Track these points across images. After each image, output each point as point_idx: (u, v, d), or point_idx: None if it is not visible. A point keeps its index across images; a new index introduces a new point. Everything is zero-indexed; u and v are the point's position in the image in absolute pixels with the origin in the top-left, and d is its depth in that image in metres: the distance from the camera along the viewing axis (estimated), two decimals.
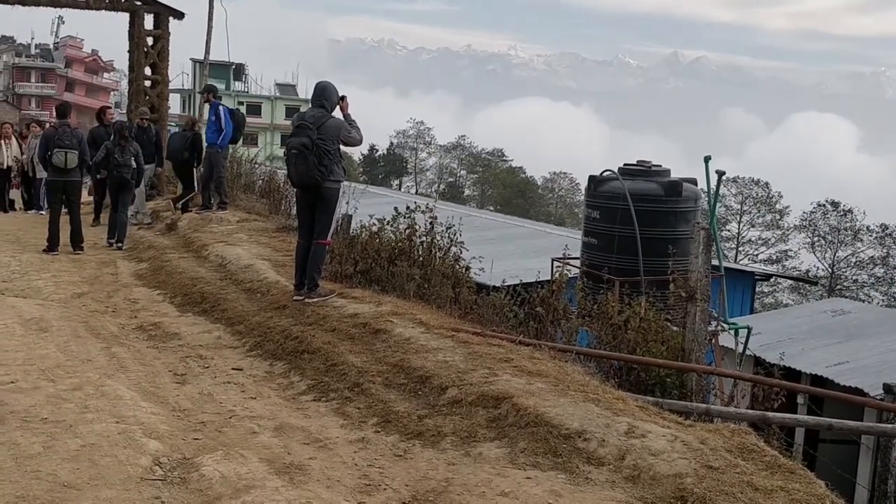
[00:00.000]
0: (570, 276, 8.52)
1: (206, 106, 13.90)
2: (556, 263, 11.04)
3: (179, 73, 55.26)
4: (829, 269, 59.37)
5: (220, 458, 4.45)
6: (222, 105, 13.50)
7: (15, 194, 18.70)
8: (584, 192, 12.39)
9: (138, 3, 17.57)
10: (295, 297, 7.77)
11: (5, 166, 17.21)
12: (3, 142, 17.17)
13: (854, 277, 59.74)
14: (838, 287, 57.20)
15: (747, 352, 10.62)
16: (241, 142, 14.76)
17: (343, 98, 7.80)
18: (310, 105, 7.86)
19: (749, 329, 10.41)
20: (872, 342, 13.44)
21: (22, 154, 17.13)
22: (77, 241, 11.88)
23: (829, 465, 9.26)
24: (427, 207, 8.60)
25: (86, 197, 15.22)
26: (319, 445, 4.94)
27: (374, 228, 8.71)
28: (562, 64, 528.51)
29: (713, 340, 8.45)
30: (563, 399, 5.06)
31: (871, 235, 59.79)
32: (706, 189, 11.23)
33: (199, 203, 13.75)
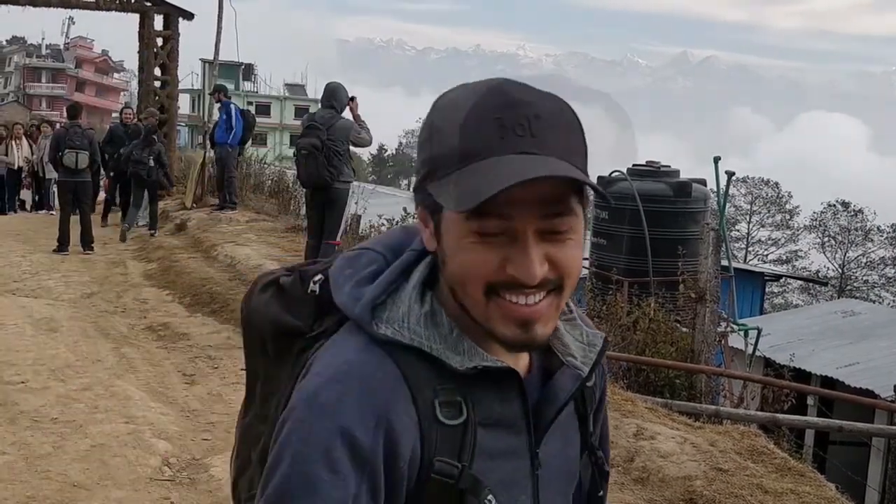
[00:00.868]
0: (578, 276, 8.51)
1: (216, 105, 13.93)
2: None
3: (189, 73, 55.49)
4: (840, 270, 59.14)
5: (229, 459, 4.45)
6: (233, 104, 13.55)
7: (26, 194, 18.82)
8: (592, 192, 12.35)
9: (148, 3, 17.63)
10: None
11: (16, 167, 17.30)
12: (13, 142, 17.26)
13: (865, 278, 59.49)
14: (849, 288, 56.97)
15: (757, 353, 10.59)
16: (250, 142, 14.80)
17: (353, 99, 7.82)
18: (320, 106, 7.88)
19: (759, 330, 10.38)
20: (883, 343, 13.38)
21: (32, 154, 17.21)
22: (87, 242, 11.92)
23: (839, 467, 9.22)
24: None
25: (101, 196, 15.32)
26: None
27: (384, 229, 8.72)
28: (570, 63, 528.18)
29: (723, 341, 8.42)
30: None
31: (881, 236, 59.53)
32: (715, 189, 11.20)
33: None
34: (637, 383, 6.56)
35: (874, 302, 45.34)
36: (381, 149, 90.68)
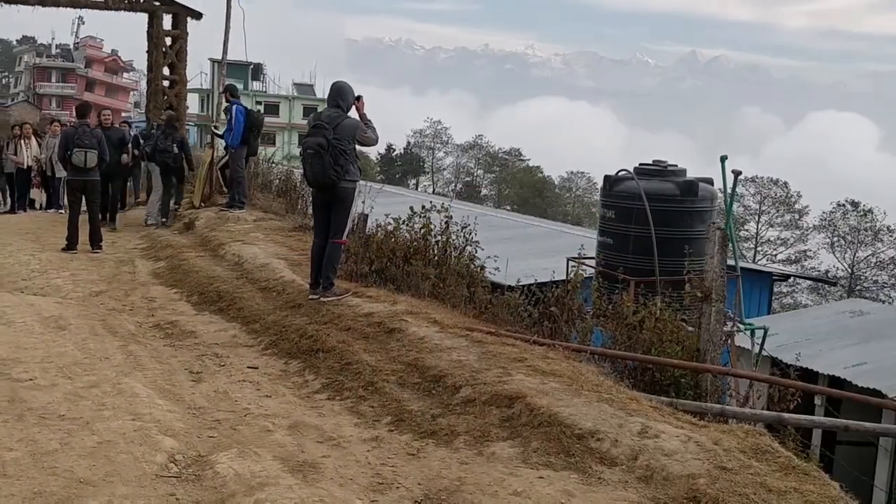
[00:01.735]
0: (585, 276, 8.50)
1: (224, 106, 13.98)
2: (571, 263, 11.01)
3: (198, 73, 55.65)
4: (849, 270, 58.96)
5: (234, 456, 4.48)
6: (238, 104, 13.57)
7: (36, 193, 18.92)
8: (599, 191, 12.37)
9: (157, 3, 17.70)
10: (310, 296, 7.80)
11: (25, 166, 17.39)
12: (22, 142, 17.35)
13: (874, 278, 59.29)
14: (858, 288, 56.78)
15: (764, 353, 10.56)
16: (259, 141, 14.81)
17: (359, 98, 7.83)
18: (326, 105, 7.90)
19: (765, 330, 10.35)
20: (891, 343, 13.32)
21: (41, 153, 17.29)
22: (96, 240, 11.98)
23: (846, 467, 9.19)
24: (442, 207, 8.62)
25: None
26: (333, 444, 4.97)
27: (390, 228, 8.73)
28: (580, 63, 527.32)
29: (729, 341, 8.40)
30: (577, 399, 5.06)
31: (891, 236, 59.34)
32: (723, 189, 11.18)
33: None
34: (643, 382, 6.56)
35: (884, 302, 45.14)
36: (390, 148, 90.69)
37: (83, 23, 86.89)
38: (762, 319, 14.24)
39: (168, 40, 17.95)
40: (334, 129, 7.51)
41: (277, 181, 16.24)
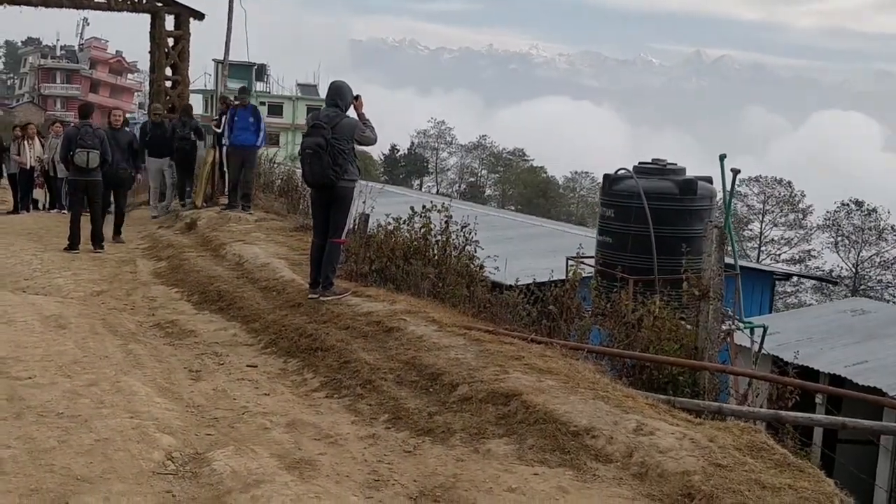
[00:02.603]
0: (584, 275, 8.51)
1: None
2: (570, 262, 11.03)
3: (202, 73, 55.65)
4: (853, 270, 58.84)
5: (231, 454, 4.50)
6: (233, 107, 13.71)
7: (39, 194, 18.98)
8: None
9: (159, 3, 17.75)
10: (310, 296, 7.83)
11: (28, 166, 17.44)
12: (26, 142, 17.41)
13: (878, 278, 59.17)
14: (862, 287, 56.67)
15: (765, 351, 10.57)
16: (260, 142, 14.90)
17: (357, 97, 7.85)
18: (325, 105, 7.92)
19: (765, 328, 10.35)
20: (892, 342, 13.32)
21: (44, 154, 17.35)
22: (97, 240, 12.02)
23: (846, 465, 9.19)
24: (443, 206, 8.64)
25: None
26: (330, 441, 4.99)
27: (390, 227, 8.75)
28: (584, 63, 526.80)
29: (728, 339, 8.41)
30: (573, 396, 5.08)
31: (895, 235, 59.18)
32: (722, 187, 11.19)
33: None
34: (640, 380, 6.57)
35: (888, 301, 45.07)
36: (393, 148, 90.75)
37: (88, 24, 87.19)
38: (762, 318, 14.24)
39: (170, 41, 18.00)
40: (333, 129, 7.53)
41: (279, 181, 16.27)
